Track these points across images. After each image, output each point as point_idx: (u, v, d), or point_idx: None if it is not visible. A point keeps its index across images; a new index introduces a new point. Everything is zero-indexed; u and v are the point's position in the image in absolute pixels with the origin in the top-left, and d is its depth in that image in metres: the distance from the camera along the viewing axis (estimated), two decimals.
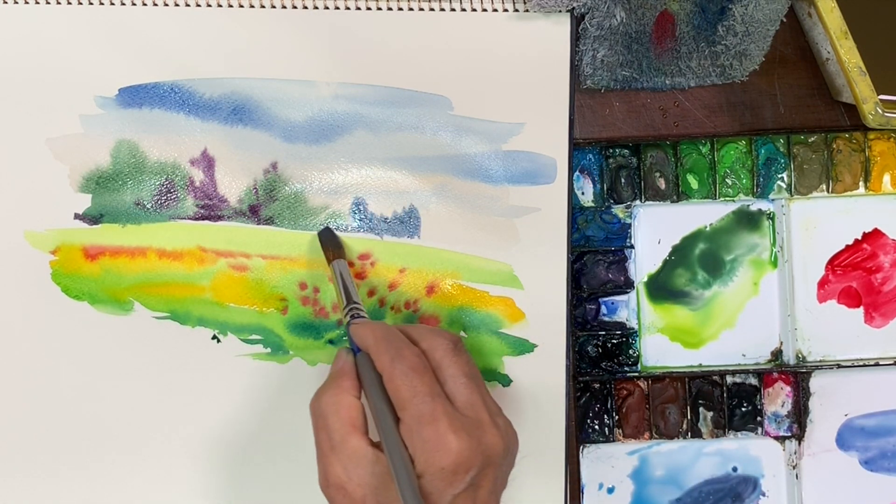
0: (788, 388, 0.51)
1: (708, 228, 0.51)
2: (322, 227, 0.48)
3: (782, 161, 0.51)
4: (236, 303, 0.49)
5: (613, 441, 0.51)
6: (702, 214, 0.51)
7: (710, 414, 0.51)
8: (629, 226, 0.51)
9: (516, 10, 0.48)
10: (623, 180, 0.51)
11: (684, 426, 0.51)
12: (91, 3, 0.47)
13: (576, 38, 0.48)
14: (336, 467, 0.39)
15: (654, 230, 0.51)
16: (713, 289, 0.51)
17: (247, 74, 0.48)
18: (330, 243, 0.47)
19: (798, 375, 0.51)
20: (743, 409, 0.51)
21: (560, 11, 0.48)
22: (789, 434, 0.52)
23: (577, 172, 0.50)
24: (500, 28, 0.48)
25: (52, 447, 0.49)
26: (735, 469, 0.52)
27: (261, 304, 0.49)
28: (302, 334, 0.49)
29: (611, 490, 0.51)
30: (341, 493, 0.38)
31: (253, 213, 0.48)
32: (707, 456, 0.52)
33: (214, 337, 0.49)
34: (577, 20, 0.48)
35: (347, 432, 0.39)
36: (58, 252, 0.48)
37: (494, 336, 0.49)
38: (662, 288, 0.51)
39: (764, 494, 0.52)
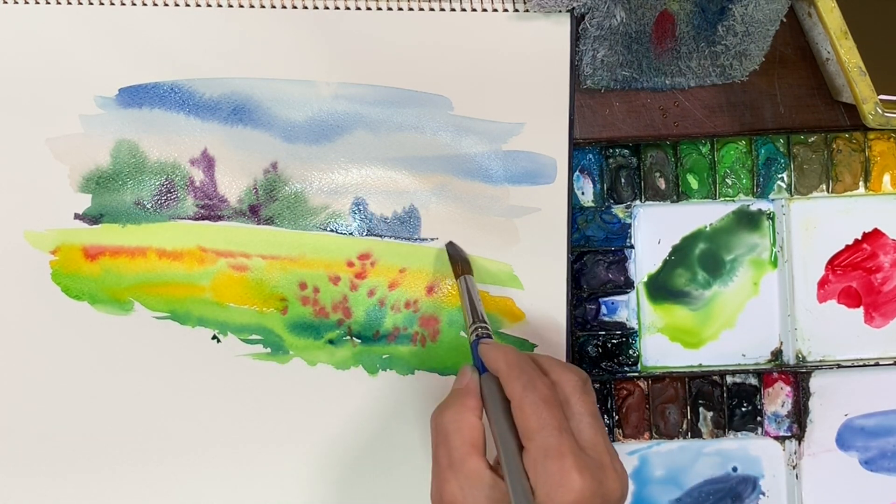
0: (788, 388, 0.51)
1: (708, 228, 0.51)
2: (448, 242, 0.49)
3: (782, 161, 0.51)
4: (236, 303, 0.49)
5: (613, 441, 0.51)
6: (702, 214, 0.51)
7: (710, 414, 0.51)
8: (629, 226, 0.51)
9: (516, 10, 0.48)
10: (623, 180, 0.51)
11: (684, 426, 0.51)
12: (91, 4, 0.47)
13: (576, 38, 0.48)
14: (452, 485, 0.38)
15: (654, 230, 0.51)
16: (713, 289, 0.51)
17: (247, 74, 0.48)
18: (458, 257, 0.47)
19: (798, 375, 0.51)
20: (743, 409, 0.51)
21: (560, 11, 0.48)
22: (789, 434, 0.52)
23: (577, 172, 0.50)
24: (500, 28, 0.48)
25: (51, 447, 0.49)
26: (735, 469, 0.52)
27: (261, 304, 0.49)
28: (302, 334, 0.49)
29: None
30: None
31: (253, 213, 0.48)
32: (707, 456, 0.52)
33: (214, 337, 0.49)
34: (577, 20, 0.48)
35: (468, 452, 0.39)
36: (58, 252, 0.48)
37: (494, 336, 0.49)
38: (662, 288, 0.51)
39: (764, 494, 0.52)
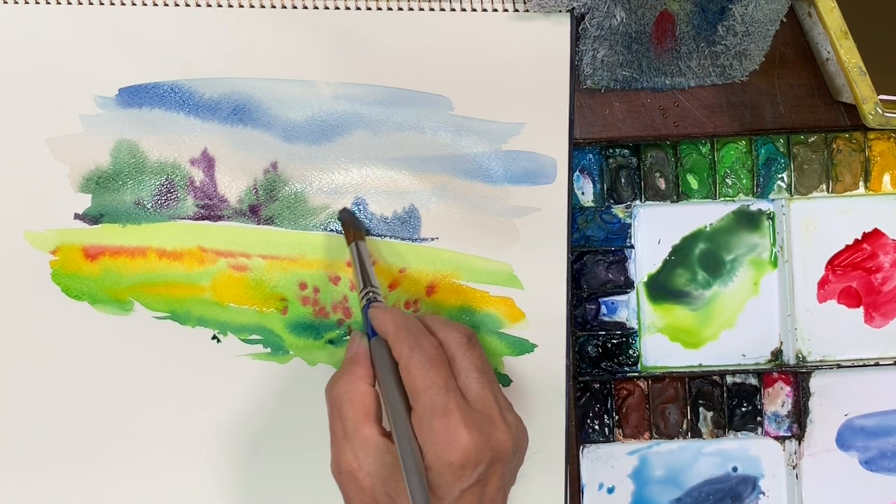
0: (788, 388, 0.51)
1: (708, 228, 0.51)
2: (342, 208, 0.48)
3: (782, 161, 0.51)
4: (236, 303, 0.49)
5: (613, 441, 0.51)
6: (702, 214, 0.51)
7: (710, 414, 0.51)
8: (629, 226, 0.51)
9: (516, 10, 0.48)
10: (623, 180, 0.51)
11: (684, 426, 0.51)
12: (91, 4, 0.47)
13: (576, 38, 0.48)
14: (348, 455, 0.39)
15: (654, 230, 0.51)
16: (713, 289, 0.51)
17: (247, 74, 0.48)
18: (350, 224, 0.47)
19: (798, 375, 0.51)
20: (743, 409, 0.51)
21: (560, 11, 0.48)
22: (789, 434, 0.52)
23: (577, 172, 0.50)
24: (500, 28, 0.48)
25: (51, 447, 0.49)
26: (735, 469, 0.52)
27: (261, 304, 0.49)
28: (302, 334, 0.49)
29: (611, 490, 0.51)
30: (351, 481, 0.39)
31: (253, 213, 0.48)
32: (707, 456, 0.52)
33: (214, 337, 0.49)
34: (577, 20, 0.48)
35: (360, 420, 0.39)
36: (58, 252, 0.48)
37: (494, 336, 0.49)
38: (662, 288, 0.51)
39: (764, 494, 0.52)
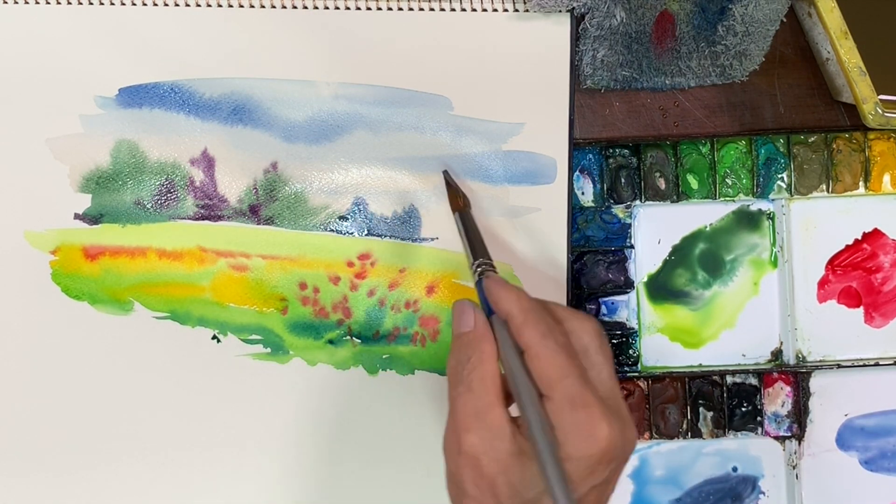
0: (788, 388, 0.51)
1: (708, 228, 0.51)
2: (444, 169, 0.47)
3: (782, 161, 0.51)
4: (236, 303, 0.49)
5: None
6: (702, 214, 0.51)
7: (710, 414, 0.51)
8: (629, 226, 0.51)
9: (516, 10, 0.48)
10: (623, 180, 0.51)
11: (684, 426, 0.51)
12: (91, 3, 0.47)
13: (576, 38, 0.48)
14: (473, 436, 0.36)
15: (654, 230, 0.51)
16: (713, 289, 0.51)
17: (247, 74, 0.48)
18: (456, 189, 0.45)
19: (798, 375, 0.51)
20: (743, 409, 0.51)
21: (560, 11, 0.48)
22: (789, 434, 0.52)
23: (577, 172, 0.50)
24: (500, 28, 0.48)
25: (51, 447, 0.49)
26: (735, 469, 0.52)
27: (261, 304, 0.49)
28: (302, 334, 0.49)
29: None
30: (471, 464, 0.36)
31: (253, 213, 0.48)
32: (707, 456, 0.52)
33: (214, 337, 0.49)
34: (577, 20, 0.48)
35: (493, 403, 0.37)
36: (58, 252, 0.48)
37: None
38: (662, 288, 0.51)
39: (764, 494, 0.52)
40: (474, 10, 0.48)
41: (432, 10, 0.48)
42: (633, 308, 0.51)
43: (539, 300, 0.39)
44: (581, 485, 0.36)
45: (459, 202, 0.45)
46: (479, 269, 0.41)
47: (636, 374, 0.51)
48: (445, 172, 0.48)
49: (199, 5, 0.47)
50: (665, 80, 0.49)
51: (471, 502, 0.37)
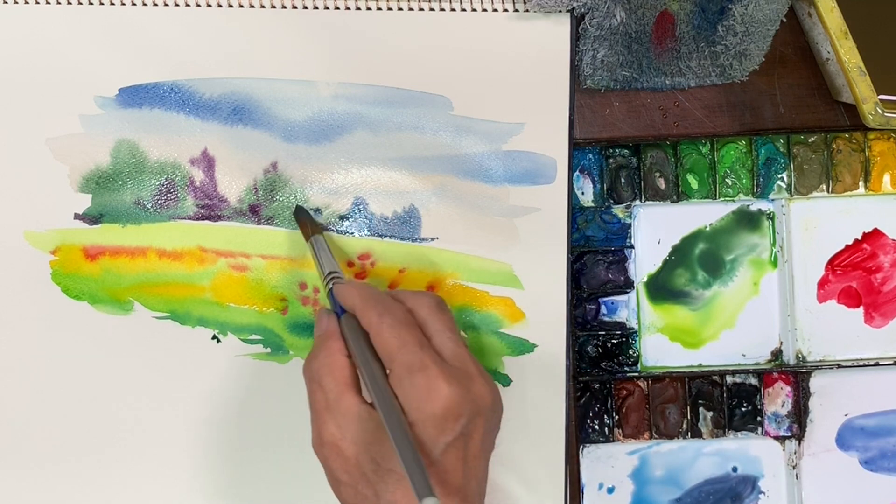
0: (788, 388, 0.51)
1: (708, 228, 0.51)
2: (296, 206, 0.48)
3: (782, 161, 0.51)
4: (236, 303, 0.49)
5: (613, 441, 0.51)
6: (702, 214, 0.51)
7: (710, 414, 0.51)
8: (629, 226, 0.51)
9: (516, 10, 0.48)
10: (623, 180, 0.51)
11: (684, 426, 0.51)
12: (91, 3, 0.47)
13: (576, 38, 0.48)
14: (330, 426, 0.39)
15: (654, 230, 0.51)
16: (713, 289, 0.51)
17: (247, 74, 0.48)
18: (306, 219, 0.47)
19: (798, 375, 0.51)
20: (743, 409, 0.51)
21: (560, 11, 0.48)
22: (789, 434, 0.52)
23: (577, 172, 0.50)
24: (500, 28, 0.48)
25: (51, 447, 0.49)
26: (735, 469, 0.52)
27: (261, 304, 0.49)
28: (302, 334, 0.49)
29: (611, 490, 0.51)
30: (335, 452, 0.39)
31: (253, 212, 0.48)
32: (707, 456, 0.52)
33: (214, 337, 0.49)
34: (577, 20, 0.48)
35: (342, 391, 0.39)
36: (58, 252, 0.48)
37: (494, 336, 0.49)
38: (662, 288, 0.51)
39: (764, 494, 0.52)
40: (474, 10, 0.48)
41: (432, 10, 0.48)
42: (633, 308, 0.51)
43: (382, 291, 0.42)
44: (433, 444, 0.38)
45: (308, 231, 0.47)
46: (329, 281, 0.44)
47: (636, 374, 0.51)
48: (297, 209, 0.48)
49: (199, 5, 0.47)
50: (665, 80, 0.49)
51: (346, 488, 0.39)
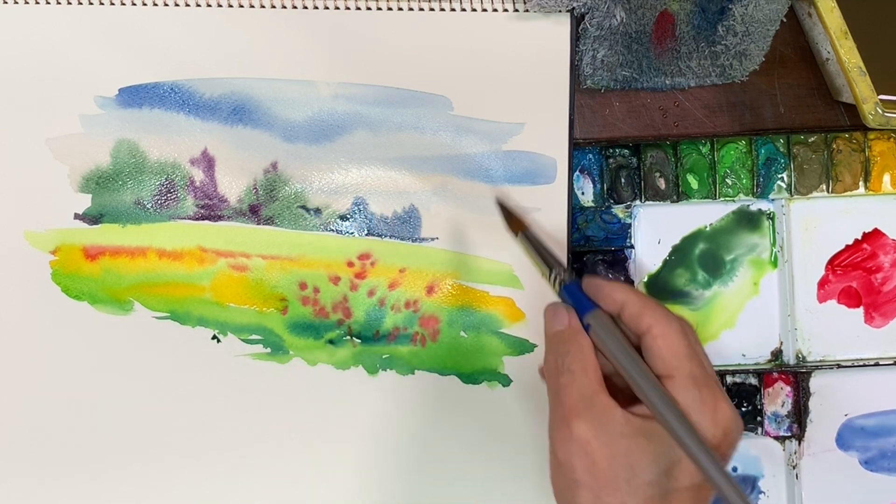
0: (788, 388, 0.51)
1: (708, 228, 0.51)
2: (497, 196, 0.47)
3: (782, 161, 0.51)
4: (236, 303, 0.49)
5: None
6: (702, 214, 0.51)
7: None
8: (629, 226, 0.51)
9: (516, 10, 0.48)
10: (623, 180, 0.51)
11: None
12: (91, 3, 0.47)
13: (576, 38, 0.48)
14: (582, 424, 0.36)
15: (654, 230, 0.51)
16: (713, 289, 0.51)
17: (247, 74, 0.48)
18: (512, 212, 0.46)
19: (798, 375, 0.51)
20: (743, 409, 0.51)
21: (560, 11, 0.48)
22: (789, 434, 0.52)
23: (577, 172, 0.50)
24: (500, 28, 0.48)
25: (51, 447, 0.49)
26: (735, 469, 0.52)
27: (261, 304, 0.49)
28: (302, 334, 0.49)
29: None
30: (583, 451, 0.36)
31: (253, 212, 0.48)
32: None
33: (214, 337, 0.49)
34: (577, 20, 0.48)
35: (597, 390, 0.37)
36: (58, 252, 0.48)
37: (494, 336, 0.49)
38: (662, 288, 0.51)
39: (764, 494, 0.52)
40: (474, 10, 0.48)
41: (432, 10, 0.48)
42: None
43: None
44: (724, 459, 0.36)
45: (516, 225, 0.45)
46: (558, 277, 0.41)
47: None
48: (498, 199, 0.47)
49: (199, 5, 0.47)
50: (665, 79, 0.49)
51: (584, 491, 0.36)
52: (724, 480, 0.34)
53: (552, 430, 0.38)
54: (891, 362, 0.52)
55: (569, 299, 0.40)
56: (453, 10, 0.48)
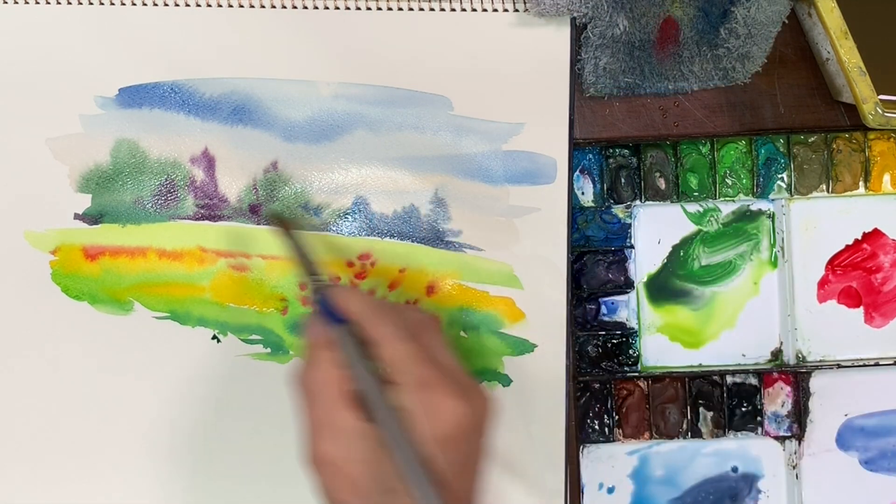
0: (788, 388, 0.52)
1: (708, 228, 0.51)
2: (268, 210, 0.48)
3: (782, 161, 0.51)
4: (236, 303, 0.49)
5: (613, 441, 0.51)
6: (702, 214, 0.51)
7: (710, 414, 0.51)
8: (629, 226, 0.51)
9: (516, 11, 0.48)
10: (623, 180, 0.51)
11: (684, 426, 0.51)
12: (91, 4, 0.47)
13: (577, 46, 0.48)
14: (326, 443, 0.37)
15: (654, 230, 0.51)
16: (713, 289, 0.51)
17: (247, 74, 0.48)
18: (279, 218, 0.46)
19: (798, 375, 0.51)
20: (743, 409, 0.51)
21: (561, 16, 0.48)
22: (789, 434, 0.52)
23: (577, 172, 0.50)
24: (500, 28, 0.48)
25: (51, 447, 0.49)
26: (735, 469, 0.52)
27: (261, 304, 0.49)
28: (302, 334, 0.49)
29: (611, 490, 0.51)
30: (331, 470, 0.37)
31: (253, 212, 0.48)
32: (707, 456, 0.52)
33: (214, 337, 0.49)
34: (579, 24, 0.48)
35: (339, 407, 0.37)
36: (58, 252, 0.48)
37: (494, 336, 0.49)
38: (662, 288, 0.51)
39: (764, 494, 0.52)
40: (474, 10, 0.48)
41: (432, 10, 0.48)
42: (633, 308, 0.51)
43: (381, 300, 0.41)
44: (445, 463, 0.37)
45: (285, 226, 0.44)
46: (315, 285, 0.41)
47: (636, 374, 0.51)
48: (268, 210, 0.47)
49: (199, 5, 0.47)
50: (668, 84, 0.49)
51: None
52: (426, 490, 0.35)
53: (303, 454, 0.38)
54: (891, 362, 0.52)
55: (323, 311, 0.40)
56: (453, 10, 0.48)
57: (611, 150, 0.51)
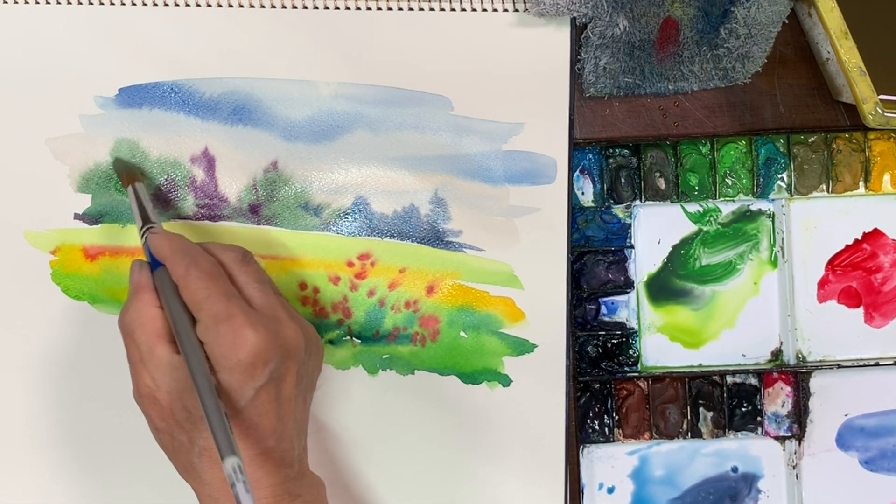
0: (788, 388, 0.52)
1: (708, 228, 0.51)
2: (115, 157, 0.48)
3: (782, 161, 0.51)
4: None
5: (613, 441, 0.51)
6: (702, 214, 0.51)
7: (710, 414, 0.51)
8: (629, 226, 0.51)
9: (516, 11, 0.48)
10: (623, 180, 0.51)
11: (684, 426, 0.51)
12: (91, 3, 0.47)
13: (577, 46, 0.48)
14: (145, 377, 0.40)
15: (654, 230, 0.51)
16: (713, 288, 0.51)
17: (247, 74, 0.48)
18: (124, 169, 0.47)
19: (798, 375, 0.51)
20: (743, 409, 0.51)
21: (562, 16, 0.48)
22: (789, 434, 0.52)
23: (577, 172, 0.50)
24: (501, 28, 0.48)
25: (51, 447, 0.49)
26: (735, 469, 0.52)
27: None
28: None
29: (611, 490, 0.51)
30: (151, 402, 0.40)
31: (253, 212, 0.48)
32: (707, 456, 0.52)
33: None
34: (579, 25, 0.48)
35: (154, 343, 0.40)
36: (58, 252, 0.48)
37: (494, 336, 0.49)
38: (662, 288, 0.51)
39: (764, 494, 0.52)
40: (474, 10, 0.48)
41: (432, 10, 0.48)
42: (633, 308, 0.51)
43: (196, 244, 0.43)
44: (242, 391, 0.39)
45: (126, 180, 0.46)
46: (144, 232, 0.43)
47: (636, 374, 0.51)
48: (114, 162, 0.48)
49: (199, 5, 0.47)
50: (668, 84, 0.49)
51: (163, 435, 0.41)
52: (217, 423, 0.36)
53: (132, 389, 0.41)
54: (891, 362, 0.52)
55: (148, 256, 0.42)
56: (453, 10, 0.48)
57: (611, 150, 0.51)
